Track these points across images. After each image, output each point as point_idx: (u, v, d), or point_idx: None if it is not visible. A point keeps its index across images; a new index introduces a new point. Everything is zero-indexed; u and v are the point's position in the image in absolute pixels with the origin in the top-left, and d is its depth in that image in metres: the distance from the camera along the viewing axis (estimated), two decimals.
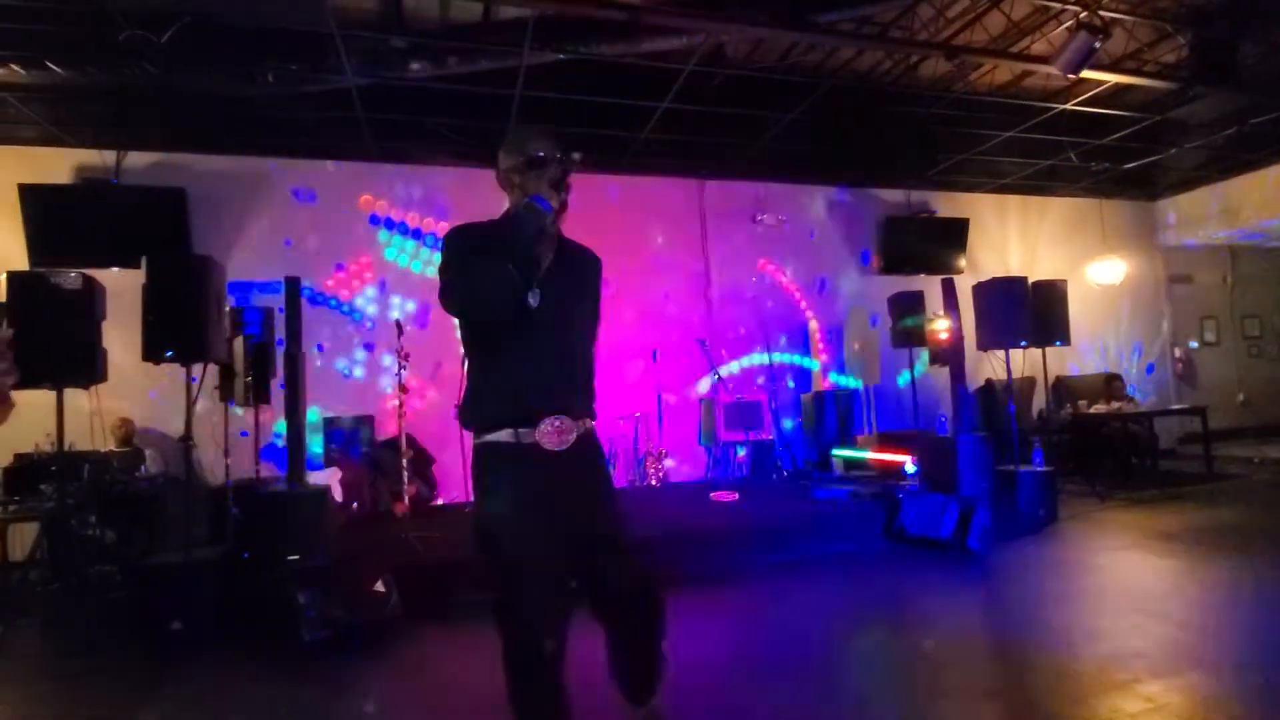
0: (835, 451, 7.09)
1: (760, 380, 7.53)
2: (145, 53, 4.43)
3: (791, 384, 7.74)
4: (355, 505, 5.23)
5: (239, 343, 4.60)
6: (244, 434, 5.36)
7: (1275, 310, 10.04)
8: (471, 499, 1.81)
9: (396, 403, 4.68)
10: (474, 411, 1.74)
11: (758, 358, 7.58)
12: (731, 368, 7.45)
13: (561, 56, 4.83)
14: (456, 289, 1.64)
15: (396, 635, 3.43)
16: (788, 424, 7.55)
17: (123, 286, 4.10)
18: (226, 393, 4.77)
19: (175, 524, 4.43)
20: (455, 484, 5.86)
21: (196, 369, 3.74)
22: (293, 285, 4.01)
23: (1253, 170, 8.20)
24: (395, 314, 6.26)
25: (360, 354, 6.36)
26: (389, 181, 6.58)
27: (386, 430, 5.97)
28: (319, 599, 3.46)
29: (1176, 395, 9.16)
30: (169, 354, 3.61)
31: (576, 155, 1.70)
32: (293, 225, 6.27)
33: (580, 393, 1.76)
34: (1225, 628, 3.09)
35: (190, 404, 3.85)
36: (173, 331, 3.62)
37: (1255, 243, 9.61)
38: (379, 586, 3.67)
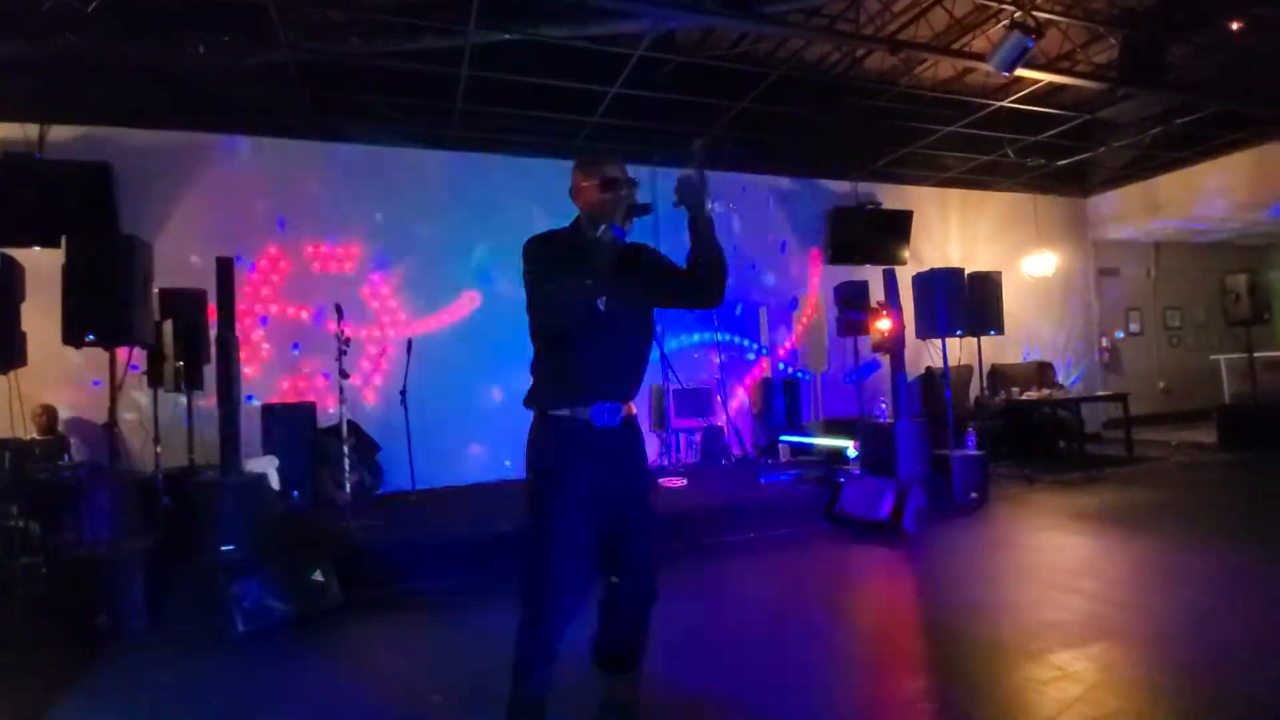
0: (783, 437, 7.25)
1: (719, 358, 7.60)
2: (70, 22, 4.18)
3: (742, 370, 7.85)
4: (295, 494, 5.11)
5: (168, 326, 4.42)
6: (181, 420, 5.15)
7: (1195, 302, 10.65)
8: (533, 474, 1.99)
9: (338, 389, 4.57)
10: (537, 396, 1.99)
11: (707, 344, 7.65)
12: (679, 353, 7.51)
13: (508, 36, 4.75)
14: (542, 306, 1.94)
15: (336, 626, 3.38)
16: (735, 411, 7.66)
17: (45, 267, 3.89)
18: (155, 378, 4.58)
19: (102, 514, 4.27)
20: (400, 473, 5.77)
21: (121, 353, 3.59)
22: (224, 266, 3.87)
23: (1177, 169, 8.63)
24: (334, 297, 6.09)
25: (301, 340, 6.17)
26: (328, 160, 6.37)
27: (328, 417, 5.83)
28: (254, 590, 3.39)
29: (1103, 383, 9.64)
30: (90, 337, 3.46)
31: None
32: (226, 203, 6.02)
33: (631, 381, 2.02)
34: (1133, 601, 3.30)
35: (114, 389, 3.69)
36: (94, 313, 3.47)
37: (1179, 238, 10.15)
38: (318, 576, 3.62)
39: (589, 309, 1.89)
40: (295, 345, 6.14)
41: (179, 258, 5.53)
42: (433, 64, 5.12)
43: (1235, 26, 5.64)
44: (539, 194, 6.91)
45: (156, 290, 4.23)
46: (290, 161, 6.25)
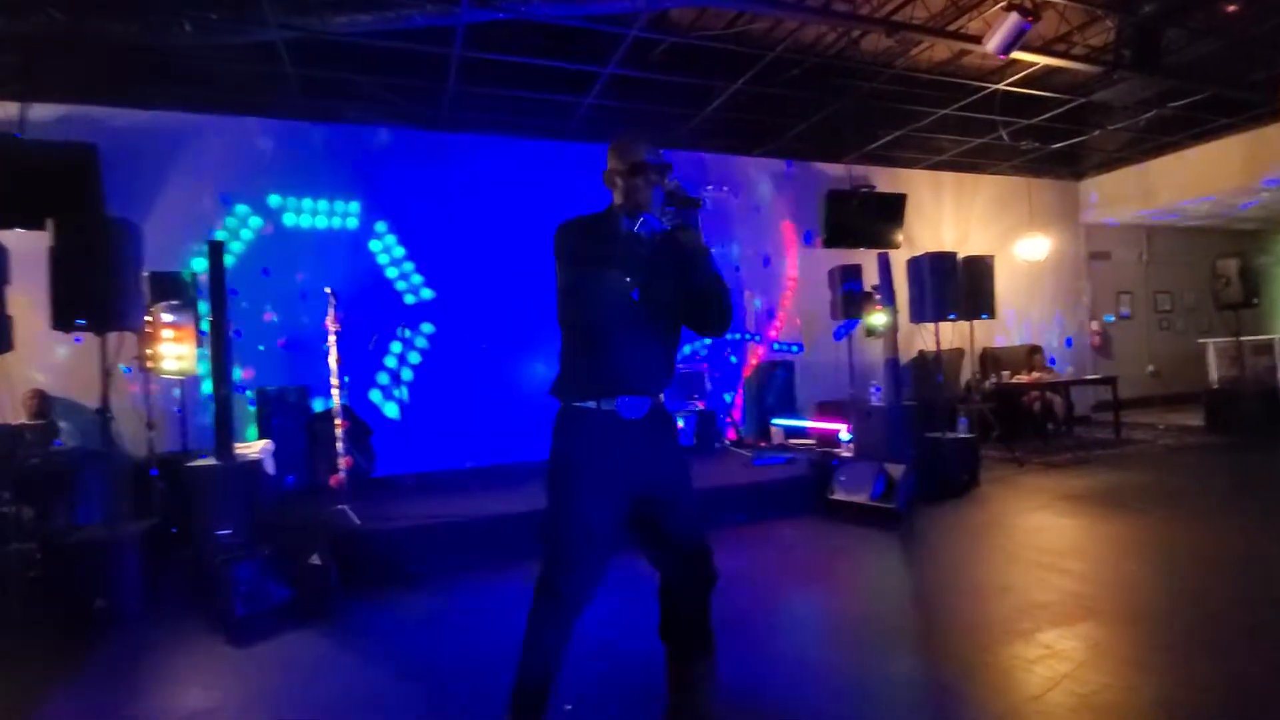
0: (775, 420, 7.29)
1: (702, 351, 7.62)
2: None
3: (734, 358, 7.87)
4: (290, 478, 5.11)
5: (158, 310, 4.39)
6: (173, 407, 5.14)
7: (1186, 287, 10.72)
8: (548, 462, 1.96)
9: (332, 373, 4.56)
10: (564, 386, 1.95)
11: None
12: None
13: (501, 15, 4.68)
14: (573, 296, 1.88)
15: (335, 608, 3.40)
16: (728, 395, 7.69)
17: (29, 249, 3.83)
18: (147, 362, 4.55)
19: (96, 499, 4.26)
20: (394, 456, 5.78)
21: (112, 338, 3.56)
22: (216, 249, 3.83)
23: (1170, 152, 8.66)
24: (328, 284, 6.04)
25: (297, 322, 6.13)
26: (319, 140, 6.29)
27: (322, 401, 5.82)
28: (252, 573, 3.40)
29: (1093, 366, 9.73)
30: (80, 322, 3.42)
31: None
32: (218, 186, 5.94)
33: (663, 376, 1.98)
34: (1119, 580, 3.36)
35: (105, 374, 3.67)
36: (84, 298, 3.43)
37: (1170, 222, 10.20)
38: (315, 559, 3.63)
39: (622, 301, 1.84)
40: (284, 337, 6.07)
41: (169, 240, 5.48)
42: (424, 44, 5.05)
43: (1230, 9, 5.64)
44: (535, 177, 6.90)
45: (146, 274, 4.19)
46: (281, 142, 6.17)
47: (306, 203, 6.24)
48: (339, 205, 6.34)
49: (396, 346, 5.90)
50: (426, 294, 6.56)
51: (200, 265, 5.21)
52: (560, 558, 1.86)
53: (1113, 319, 10.24)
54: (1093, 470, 5.99)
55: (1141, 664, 2.38)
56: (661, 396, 1.99)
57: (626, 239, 1.84)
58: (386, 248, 6.48)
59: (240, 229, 6.00)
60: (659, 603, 2.04)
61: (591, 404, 1.89)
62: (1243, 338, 7.55)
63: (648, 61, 5.60)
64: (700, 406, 6.96)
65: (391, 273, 6.48)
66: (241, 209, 6.01)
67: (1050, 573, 3.41)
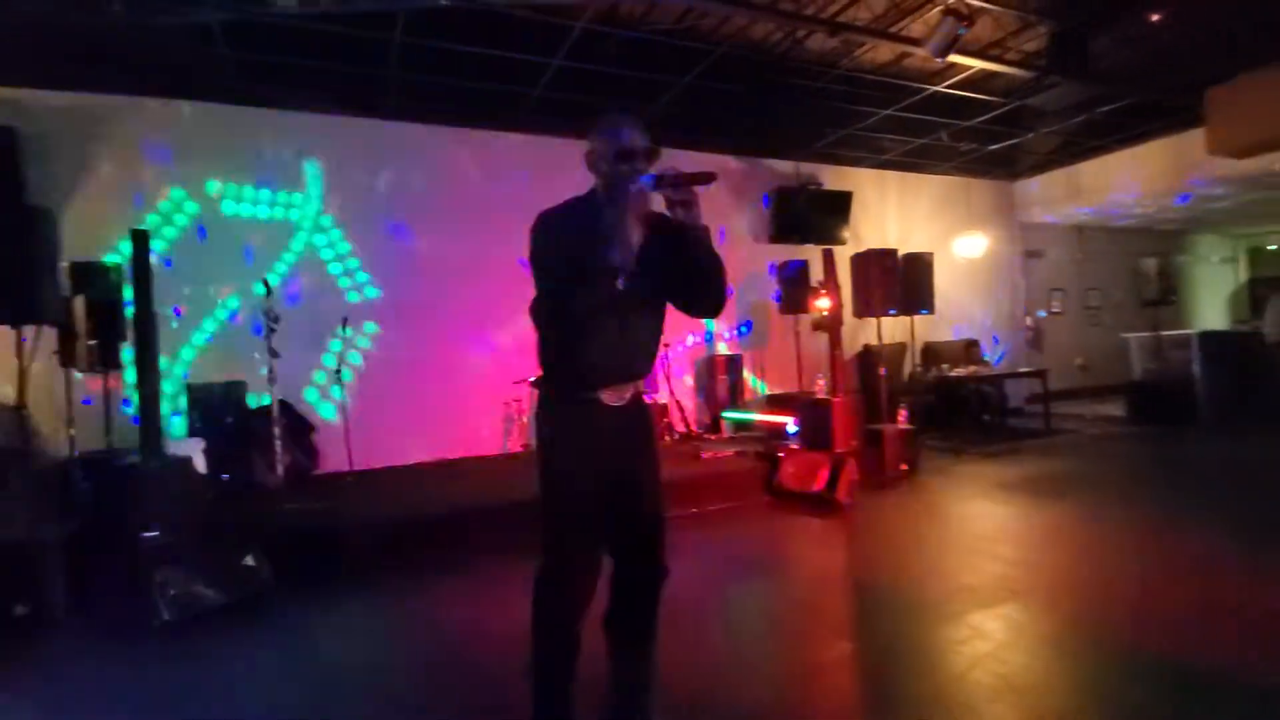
0: (725, 414, 7.39)
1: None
2: None
3: (685, 349, 7.94)
4: (224, 477, 4.93)
5: (79, 302, 4.18)
6: (87, 401, 4.88)
7: (1113, 283, 11.27)
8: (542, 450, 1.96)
9: (267, 368, 4.42)
10: (550, 380, 1.94)
11: None
12: None
13: (445, 3, 4.59)
14: (554, 289, 1.80)
15: (270, 610, 3.31)
16: (678, 389, 7.76)
17: None
18: (67, 357, 4.33)
19: (14, 500, 4.03)
20: (338, 453, 5.64)
21: (28, 331, 3.38)
22: (140, 238, 3.66)
23: (1098, 155, 9.08)
24: (266, 274, 5.85)
25: (225, 316, 5.91)
26: (255, 127, 6.06)
27: (258, 397, 5.63)
28: (181, 576, 3.28)
29: (1026, 360, 10.15)
30: None
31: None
32: (143, 171, 5.66)
33: (645, 362, 1.98)
34: (1041, 563, 3.54)
35: (22, 369, 3.48)
36: None
37: (1100, 222, 10.71)
38: (249, 561, 3.53)
39: (608, 290, 1.77)
40: (179, 308, 5.83)
41: (91, 229, 5.20)
42: (365, 29, 4.92)
43: (1155, 19, 5.94)
44: (479, 166, 6.80)
45: (66, 264, 3.99)
46: (214, 127, 5.92)
47: (248, 191, 6.02)
48: (281, 195, 6.13)
49: (336, 345, 5.75)
50: (371, 293, 6.41)
51: (126, 249, 4.97)
52: (563, 546, 1.87)
53: (1045, 314, 10.71)
54: (1024, 459, 6.27)
55: (1058, 642, 2.52)
56: (643, 384, 1.99)
57: (611, 224, 1.76)
58: (331, 242, 6.30)
59: (174, 214, 5.75)
60: (610, 592, 2.02)
61: (578, 394, 1.89)
62: (1161, 332, 8.00)
63: (597, 54, 5.58)
64: (651, 400, 7.00)
65: (335, 268, 6.31)
66: (177, 193, 5.76)
67: (980, 557, 3.57)
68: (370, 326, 6.28)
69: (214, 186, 5.89)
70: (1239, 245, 12.99)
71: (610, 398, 1.90)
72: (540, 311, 1.91)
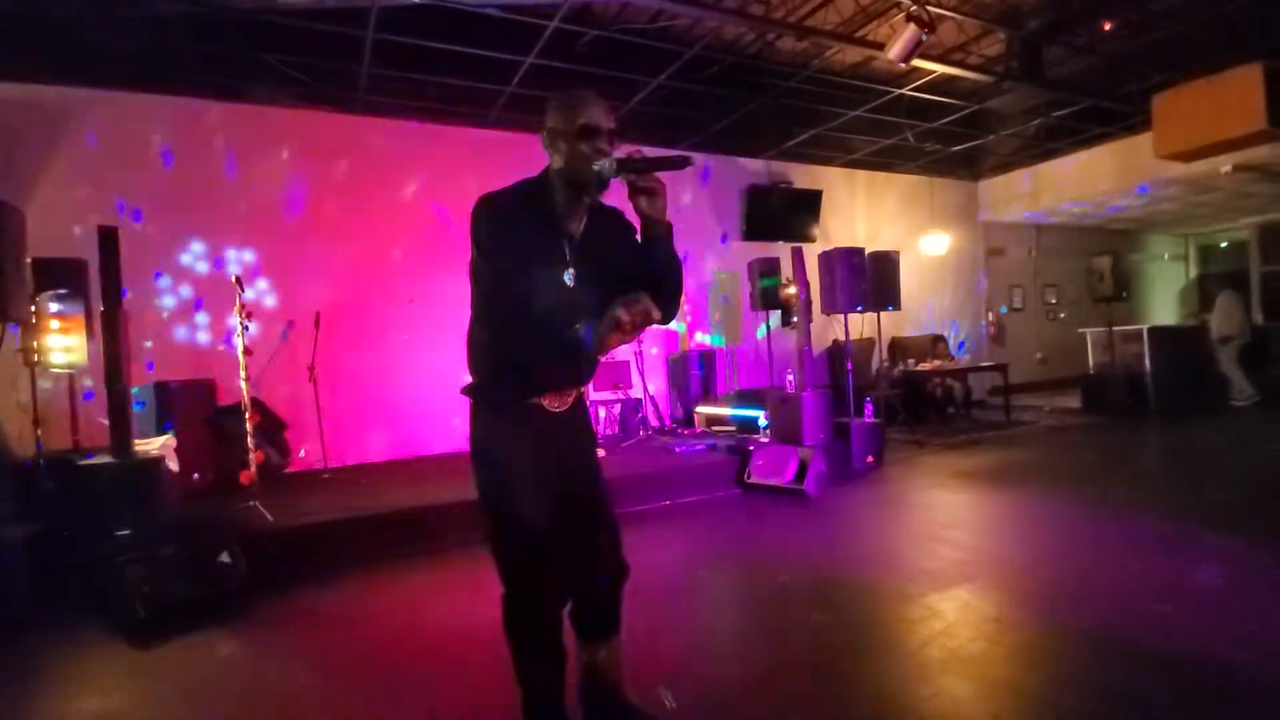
0: (698, 408, 7.51)
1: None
2: None
3: (659, 344, 8.05)
4: (196, 475, 4.90)
5: (45, 299, 4.11)
6: (89, 396, 4.81)
7: (1069, 280, 11.67)
8: (470, 457, 1.80)
9: (240, 366, 4.40)
10: (483, 385, 1.76)
11: None
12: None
13: (417, 1, 4.61)
14: (494, 281, 1.63)
15: (246, 606, 3.33)
16: (652, 385, 7.86)
17: None
18: (32, 356, 4.26)
19: None
20: (312, 450, 5.63)
21: None
22: (108, 235, 3.63)
23: (1055, 157, 9.41)
24: (234, 269, 5.80)
25: (198, 314, 5.84)
26: (220, 120, 5.99)
27: (230, 395, 5.58)
28: (154, 573, 3.28)
29: (989, 354, 10.49)
30: None
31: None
32: (104, 166, 5.56)
33: (591, 366, 1.83)
34: (994, 548, 3.72)
35: None
36: None
37: (1057, 221, 11.08)
38: (224, 557, 3.53)
39: (554, 287, 1.62)
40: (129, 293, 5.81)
41: (56, 225, 5.11)
42: (336, 24, 4.90)
43: (1107, 27, 6.19)
44: (452, 162, 6.80)
45: (30, 260, 3.92)
46: (180, 120, 5.83)
47: (207, 182, 5.94)
48: (247, 187, 6.07)
49: (306, 345, 5.73)
50: (341, 284, 6.38)
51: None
52: (522, 571, 1.74)
53: (1006, 310, 11.06)
54: (984, 450, 6.50)
55: (1003, 620, 2.68)
56: (584, 388, 1.89)
57: (563, 213, 1.66)
58: (297, 231, 6.26)
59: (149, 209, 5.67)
60: (573, 596, 1.93)
61: (515, 400, 1.74)
62: (1114, 328, 8.33)
63: (570, 53, 5.63)
64: (625, 395, 7.10)
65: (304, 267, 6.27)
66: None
67: (938, 543, 3.73)
68: (342, 324, 6.27)
69: (182, 180, 5.80)
70: (1189, 243, 13.54)
71: (553, 403, 1.76)
72: (478, 306, 1.73)
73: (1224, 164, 7.72)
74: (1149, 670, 2.24)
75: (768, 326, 7.29)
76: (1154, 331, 8.33)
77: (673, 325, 8.05)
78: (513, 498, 1.71)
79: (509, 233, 1.62)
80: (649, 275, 1.65)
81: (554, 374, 1.75)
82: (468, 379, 1.80)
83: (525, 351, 1.68)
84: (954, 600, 2.88)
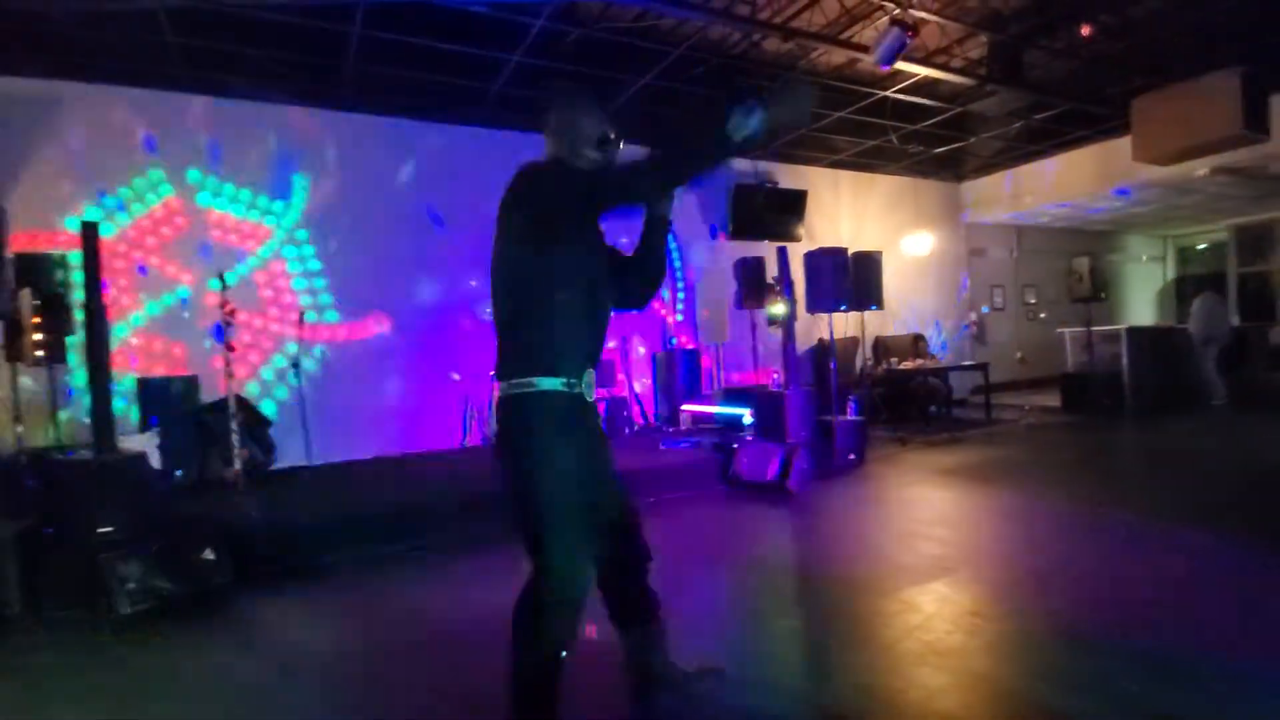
0: (684, 406, 7.56)
1: (611, 345, 7.78)
2: None
3: (642, 349, 8.08)
4: (179, 472, 4.87)
5: (26, 295, 4.08)
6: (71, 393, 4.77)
7: (1049, 281, 11.83)
8: (505, 450, 1.76)
9: (224, 363, 4.39)
10: (533, 367, 1.70)
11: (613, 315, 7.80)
12: None
13: None
14: (556, 255, 1.65)
15: (230, 603, 3.33)
16: (639, 383, 7.90)
17: None
18: (13, 352, 4.22)
19: None
20: (294, 447, 5.61)
21: None
22: (90, 231, 3.61)
23: (1036, 160, 9.54)
24: (218, 265, 5.76)
25: (183, 311, 5.80)
26: (203, 115, 5.94)
27: (213, 392, 5.55)
28: (138, 570, 3.27)
29: (970, 353, 10.62)
30: None
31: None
32: (89, 161, 5.51)
33: (602, 346, 1.91)
34: (971, 543, 3.80)
35: None
36: None
37: (1037, 223, 11.24)
38: (208, 554, 3.53)
39: (598, 272, 1.68)
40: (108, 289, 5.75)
41: (37, 219, 5.05)
42: (321, 20, 4.89)
43: (1086, 32, 6.29)
44: (438, 158, 6.80)
45: (11, 255, 3.89)
46: (164, 115, 5.78)
47: (210, 182, 5.93)
48: (243, 194, 6.05)
49: (292, 346, 5.71)
50: (320, 283, 6.36)
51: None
52: (574, 561, 1.73)
53: (988, 310, 11.20)
54: (965, 448, 6.60)
55: (979, 613, 2.74)
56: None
57: (609, 163, 1.78)
58: (286, 224, 6.23)
59: (133, 202, 5.63)
60: (602, 591, 1.97)
61: (561, 386, 1.70)
62: (1093, 328, 8.47)
63: (557, 52, 5.64)
64: (610, 394, 7.13)
65: (295, 265, 6.24)
66: (139, 182, 5.64)
67: (918, 539, 3.80)
68: (331, 316, 6.26)
69: (157, 175, 5.77)
70: (1168, 244, 13.77)
71: (589, 391, 1.78)
72: (523, 280, 1.67)
73: (1202, 167, 7.87)
74: (1122, 661, 2.30)
75: (753, 325, 7.35)
76: (1132, 332, 8.49)
77: (671, 325, 8.10)
78: (574, 489, 1.69)
79: (570, 206, 1.64)
80: (646, 261, 1.85)
81: (593, 353, 1.81)
82: (512, 378, 1.72)
83: (571, 333, 1.71)
84: (932, 594, 2.94)
